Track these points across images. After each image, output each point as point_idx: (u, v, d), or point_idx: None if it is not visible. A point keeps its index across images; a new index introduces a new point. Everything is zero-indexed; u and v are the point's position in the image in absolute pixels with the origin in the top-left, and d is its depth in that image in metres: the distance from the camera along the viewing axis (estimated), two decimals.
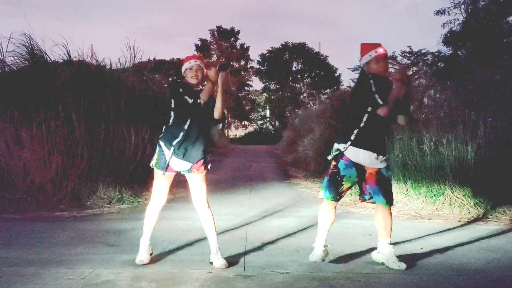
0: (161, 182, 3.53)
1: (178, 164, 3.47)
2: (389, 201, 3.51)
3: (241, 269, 3.46)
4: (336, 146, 3.50)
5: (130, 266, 3.50)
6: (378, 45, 3.39)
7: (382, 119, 3.33)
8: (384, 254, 3.54)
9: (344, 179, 3.42)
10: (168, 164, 3.45)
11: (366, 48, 3.42)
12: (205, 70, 3.47)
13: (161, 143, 3.48)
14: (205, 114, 3.46)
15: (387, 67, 3.41)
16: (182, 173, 3.54)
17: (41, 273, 3.28)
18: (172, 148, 3.42)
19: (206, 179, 3.56)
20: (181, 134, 3.41)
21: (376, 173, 3.45)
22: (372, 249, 4.07)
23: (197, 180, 3.51)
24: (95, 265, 3.50)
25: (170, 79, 8.54)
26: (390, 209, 3.56)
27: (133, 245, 4.18)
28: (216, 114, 3.45)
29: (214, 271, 3.37)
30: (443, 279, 3.27)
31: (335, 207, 3.56)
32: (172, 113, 3.46)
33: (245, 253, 3.94)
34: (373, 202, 3.55)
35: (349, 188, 3.51)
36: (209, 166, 3.56)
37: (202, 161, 3.50)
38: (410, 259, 3.78)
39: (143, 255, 3.55)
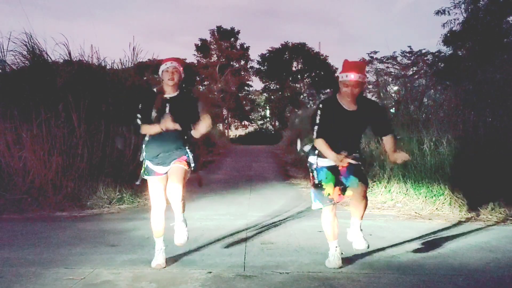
0: (154, 187, 3.52)
1: (159, 169, 3.46)
2: (362, 179, 3.46)
3: (241, 269, 3.46)
4: (309, 160, 3.58)
5: (130, 266, 3.51)
6: (355, 68, 3.33)
7: (348, 133, 3.45)
8: (351, 231, 3.63)
9: (323, 183, 3.45)
10: (150, 169, 3.48)
11: (346, 67, 3.38)
12: (182, 72, 3.47)
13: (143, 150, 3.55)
14: (175, 118, 3.37)
15: (354, 95, 3.35)
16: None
17: (41, 273, 3.28)
18: (144, 155, 3.50)
19: (186, 176, 3.43)
20: (146, 140, 3.48)
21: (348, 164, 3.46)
22: (372, 249, 4.08)
23: (176, 168, 3.39)
24: (95, 265, 3.51)
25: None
26: (366, 197, 3.52)
27: (133, 245, 4.19)
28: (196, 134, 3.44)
29: (214, 271, 3.37)
30: (443, 279, 3.27)
31: (335, 213, 3.53)
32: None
33: (245, 253, 3.94)
34: (344, 191, 3.51)
35: (335, 188, 3.45)
36: (192, 166, 3.48)
37: (185, 158, 3.44)
38: (410, 259, 3.79)
39: (159, 259, 3.51)
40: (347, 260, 3.64)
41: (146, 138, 3.49)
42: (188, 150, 3.48)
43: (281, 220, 5.50)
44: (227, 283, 3.13)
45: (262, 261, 3.69)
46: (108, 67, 7.98)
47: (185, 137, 3.49)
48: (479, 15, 14.00)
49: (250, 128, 38.75)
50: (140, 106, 3.49)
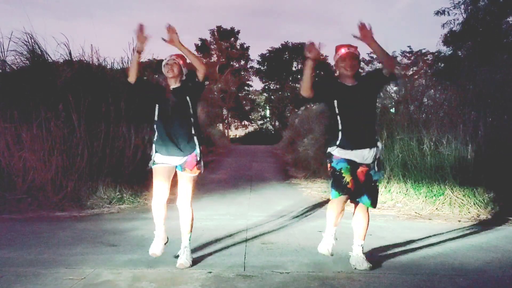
0: (158, 179, 3.55)
1: (168, 159, 3.52)
2: (373, 203, 3.51)
3: (241, 269, 3.46)
4: (328, 150, 3.55)
5: (130, 266, 3.51)
6: (345, 46, 3.46)
7: (359, 115, 3.41)
8: (353, 255, 3.54)
9: (342, 171, 3.39)
10: (157, 161, 3.54)
11: (338, 48, 3.51)
12: (182, 65, 3.59)
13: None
14: (178, 107, 3.50)
15: (352, 66, 3.41)
16: (176, 169, 3.56)
17: (41, 273, 3.28)
18: (154, 144, 3.57)
19: (195, 181, 3.59)
20: (155, 127, 3.56)
21: (365, 174, 3.45)
22: (372, 249, 4.08)
23: (186, 179, 3.54)
24: (95, 265, 3.51)
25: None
26: (368, 212, 3.57)
27: (133, 245, 4.19)
28: (199, 75, 3.52)
29: (214, 271, 3.37)
30: (443, 279, 3.27)
31: (343, 206, 3.47)
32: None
33: (245, 253, 3.94)
34: (355, 202, 3.52)
35: (353, 180, 3.39)
36: (201, 169, 3.59)
37: (196, 161, 3.52)
38: (410, 259, 3.79)
39: (154, 247, 3.54)
40: (346, 260, 3.64)
41: (156, 133, 3.56)
42: (197, 145, 3.52)
43: (281, 220, 5.50)
44: (227, 283, 3.13)
45: (262, 261, 3.69)
46: (108, 67, 7.99)
47: (193, 128, 3.54)
48: (478, 16, 14.01)
49: (250, 128, 38.79)
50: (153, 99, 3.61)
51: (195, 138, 3.53)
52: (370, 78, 3.64)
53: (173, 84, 3.60)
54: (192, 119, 3.54)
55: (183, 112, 3.53)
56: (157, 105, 3.54)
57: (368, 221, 3.58)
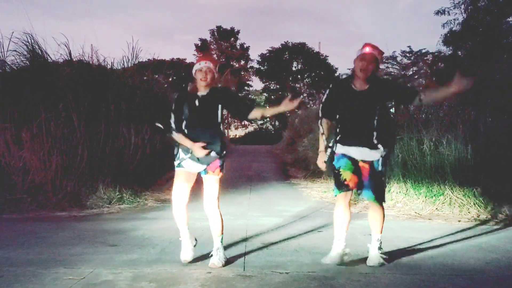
0: (180, 183, 3.51)
1: (193, 166, 3.47)
2: (378, 197, 3.48)
3: (241, 269, 3.46)
4: (330, 144, 3.60)
5: (130, 266, 3.50)
6: (370, 45, 3.43)
7: (359, 115, 3.42)
8: (369, 250, 3.58)
9: (340, 170, 3.46)
10: (181, 163, 3.49)
11: (363, 46, 3.48)
12: (215, 72, 3.49)
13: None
14: (205, 115, 3.45)
15: (366, 70, 3.38)
16: (200, 174, 3.54)
17: (40, 273, 3.28)
18: (180, 150, 3.48)
19: (220, 182, 3.54)
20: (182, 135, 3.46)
21: (369, 166, 3.47)
22: None
23: (211, 182, 3.49)
24: (95, 265, 3.50)
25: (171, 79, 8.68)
26: (382, 206, 3.54)
27: (133, 245, 4.19)
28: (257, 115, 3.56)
29: (214, 271, 3.37)
30: (443, 279, 3.27)
31: (348, 203, 3.54)
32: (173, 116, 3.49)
33: (245, 253, 3.94)
34: (359, 195, 3.58)
35: (353, 177, 3.43)
36: (224, 172, 3.54)
37: (219, 163, 3.47)
38: (410, 259, 3.79)
39: (184, 253, 3.54)
40: (346, 260, 3.64)
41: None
42: (219, 148, 3.46)
43: (281, 220, 5.50)
44: (227, 283, 3.13)
45: (262, 261, 3.68)
46: (108, 66, 7.99)
47: (216, 134, 3.48)
48: (478, 16, 14.03)
49: (250, 128, 38.78)
50: (173, 106, 3.48)
51: (219, 145, 3.46)
52: (388, 88, 3.57)
53: (202, 90, 3.48)
54: (217, 126, 3.48)
55: (209, 120, 3.46)
56: (186, 111, 3.42)
57: (383, 214, 3.55)
